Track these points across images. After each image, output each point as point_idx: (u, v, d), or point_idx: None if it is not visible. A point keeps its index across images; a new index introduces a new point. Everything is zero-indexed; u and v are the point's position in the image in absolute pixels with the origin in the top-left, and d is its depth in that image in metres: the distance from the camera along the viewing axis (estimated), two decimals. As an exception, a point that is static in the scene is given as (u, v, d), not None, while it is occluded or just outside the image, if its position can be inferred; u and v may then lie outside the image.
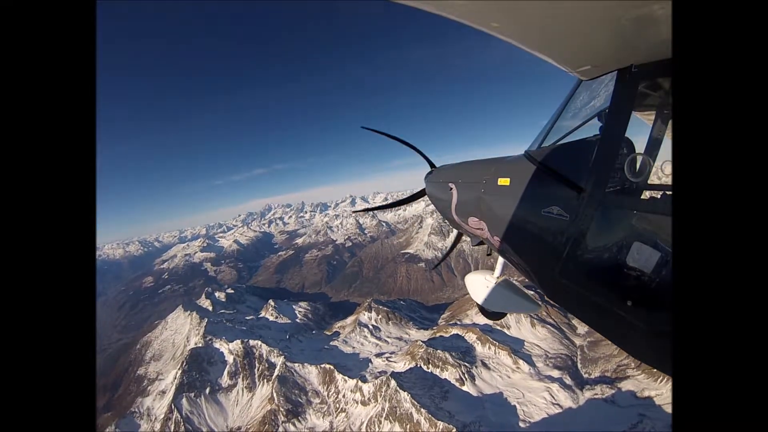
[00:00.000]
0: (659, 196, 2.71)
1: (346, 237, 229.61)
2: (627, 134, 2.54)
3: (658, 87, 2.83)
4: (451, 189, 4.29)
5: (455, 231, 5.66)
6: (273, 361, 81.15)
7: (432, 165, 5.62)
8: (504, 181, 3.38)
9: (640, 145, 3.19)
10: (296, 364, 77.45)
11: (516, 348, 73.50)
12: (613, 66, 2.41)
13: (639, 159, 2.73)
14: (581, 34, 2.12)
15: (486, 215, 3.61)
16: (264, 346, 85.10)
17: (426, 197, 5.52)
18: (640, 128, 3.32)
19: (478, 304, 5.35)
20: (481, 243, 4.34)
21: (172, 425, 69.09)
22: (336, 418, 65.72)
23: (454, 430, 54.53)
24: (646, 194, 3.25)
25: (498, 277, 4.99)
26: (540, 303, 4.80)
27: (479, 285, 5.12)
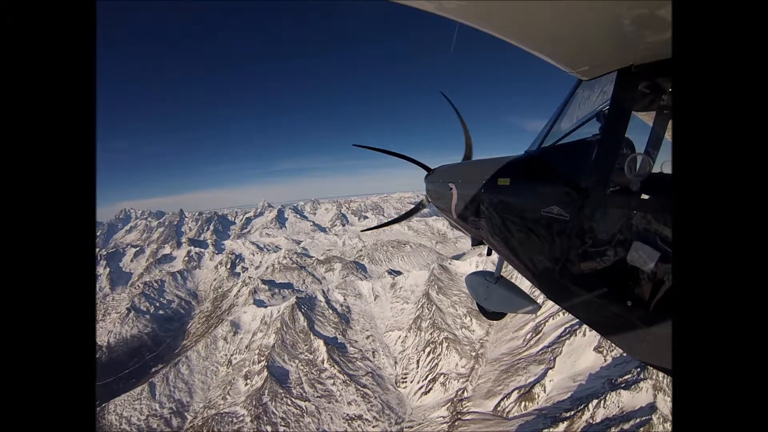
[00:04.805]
0: (659, 196, 2.71)
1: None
2: (627, 134, 2.54)
3: (658, 87, 2.83)
4: (451, 189, 4.29)
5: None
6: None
7: (428, 169, 5.64)
8: (504, 181, 3.38)
9: (640, 145, 3.19)
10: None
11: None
12: (613, 66, 2.41)
13: (639, 159, 2.74)
14: (581, 34, 2.12)
15: (486, 215, 3.61)
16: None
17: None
18: (640, 128, 3.32)
19: (478, 304, 5.36)
20: (480, 242, 4.34)
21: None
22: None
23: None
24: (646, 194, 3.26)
25: (498, 277, 4.99)
26: (540, 303, 4.79)
27: (479, 285, 5.12)
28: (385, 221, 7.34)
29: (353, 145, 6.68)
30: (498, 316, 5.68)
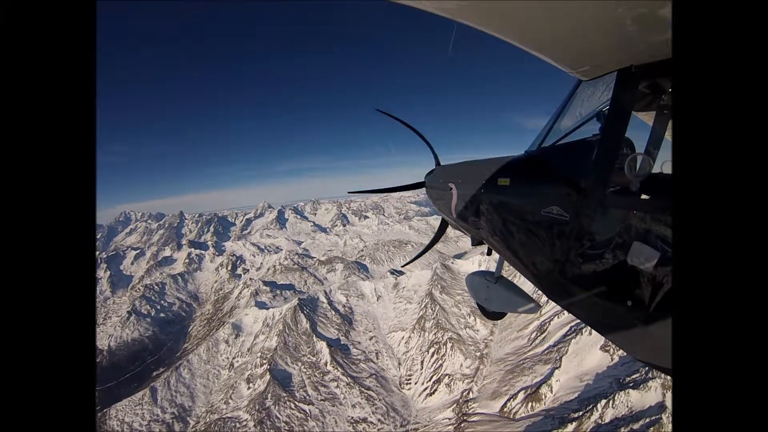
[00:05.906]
0: (659, 196, 2.71)
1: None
2: (627, 134, 2.55)
3: (658, 87, 2.83)
4: (451, 189, 4.29)
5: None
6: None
7: (438, 163, 5.62)
8: (504, 181, 3.38)
9: (640, 145, 3.19)
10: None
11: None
12: (612, 66, 2.41)
13: (639, 159, 2.74)
14: (581, 34, 2.13)
15: (486, 215, 3.61)
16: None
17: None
18: (640, 128, 3.32)
19: (478, 304, 5.35)
20: (480, 242, 4.34)
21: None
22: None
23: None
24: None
25: (498, 277, 4.98)
26: (540, 303, 4.78)
27: (479, 285, 5.11)
28: (422, 249, 7.33)
29: (348, 192, 7.04)
30: (498, 316, 5.68)
